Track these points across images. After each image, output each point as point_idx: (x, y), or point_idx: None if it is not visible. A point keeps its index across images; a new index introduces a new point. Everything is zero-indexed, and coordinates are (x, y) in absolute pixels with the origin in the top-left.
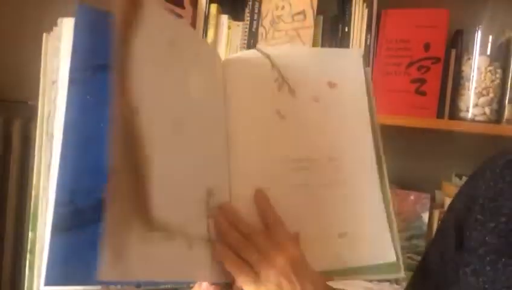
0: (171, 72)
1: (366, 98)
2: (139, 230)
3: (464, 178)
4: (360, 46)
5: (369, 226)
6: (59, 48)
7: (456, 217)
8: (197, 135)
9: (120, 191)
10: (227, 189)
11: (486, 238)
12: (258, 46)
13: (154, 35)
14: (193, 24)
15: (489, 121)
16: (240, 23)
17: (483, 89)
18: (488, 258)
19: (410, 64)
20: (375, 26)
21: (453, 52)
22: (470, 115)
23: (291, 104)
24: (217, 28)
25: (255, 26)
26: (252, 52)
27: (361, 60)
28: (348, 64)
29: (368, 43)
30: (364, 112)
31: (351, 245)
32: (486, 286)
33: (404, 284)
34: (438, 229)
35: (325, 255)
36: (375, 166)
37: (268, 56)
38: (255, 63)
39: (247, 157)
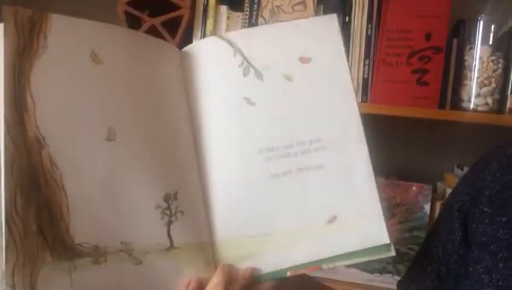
0: (96, 81)
1: (347, 68)
2: (57, 262)
3: (466, 169)
4: (361, 36)
5: (360, 207)
6: None
7: (460, 208)
8: (143, 142)
9: (22, 233)
10: (197, 187)
11: (498, 233)
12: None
13: (65, 54)
14: (192, 15)
15: (491, 111)
16: (240, 13)
17: (485, 79)
18: (500, 255)
19: (412, 54)
20: (376, 15)
21: (455, 42)
22: (472, 106)
23: (260, 89)
24: (215, 19)
25: (254, 16)
26: (211, 40)
27: (337, 27)
28: (322, 34)
29: (369, 33)
30: (346, 84)
31: (341, 230)
32: (500, 283)
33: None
34: (438, 219)
35: (312, 245)
36: (364, 141)
37: (229, 41)
38: (215, 50)
39: (218, 152)
